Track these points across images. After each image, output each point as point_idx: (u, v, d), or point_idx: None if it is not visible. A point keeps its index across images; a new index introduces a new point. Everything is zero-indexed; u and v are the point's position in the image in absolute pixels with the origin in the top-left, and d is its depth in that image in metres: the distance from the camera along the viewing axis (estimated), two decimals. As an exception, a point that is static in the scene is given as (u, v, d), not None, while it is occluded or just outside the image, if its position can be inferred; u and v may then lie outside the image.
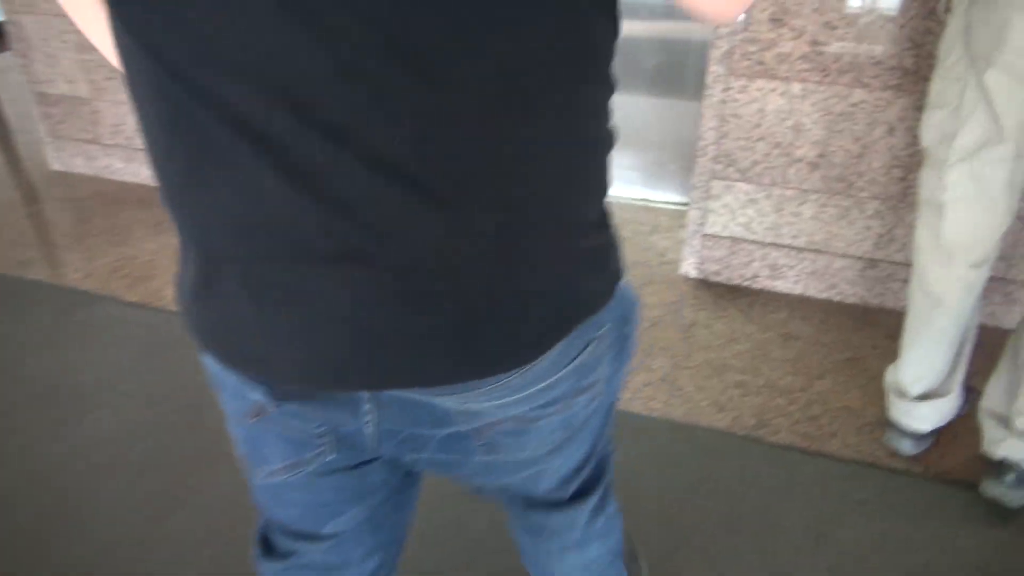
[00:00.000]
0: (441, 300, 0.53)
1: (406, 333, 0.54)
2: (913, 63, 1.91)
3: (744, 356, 2.05)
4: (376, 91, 0.46)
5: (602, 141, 0.58)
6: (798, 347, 2.08)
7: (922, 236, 1.53)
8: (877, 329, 2.15)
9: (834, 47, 1.96)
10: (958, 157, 1.39)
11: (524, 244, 0.54)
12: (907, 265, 2.16)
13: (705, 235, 2.34)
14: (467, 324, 0.54)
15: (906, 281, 2.18)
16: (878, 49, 1.93)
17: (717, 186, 2.26)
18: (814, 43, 1.97)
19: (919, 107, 1.96)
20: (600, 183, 0.60)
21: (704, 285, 2.38)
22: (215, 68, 0.47)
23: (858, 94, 2.00)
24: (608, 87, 0.56)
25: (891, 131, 2.01)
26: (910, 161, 2.03)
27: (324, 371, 0.57)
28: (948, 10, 1.39)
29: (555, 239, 0.56)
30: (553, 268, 0.57)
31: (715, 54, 2.07)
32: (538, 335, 0.58)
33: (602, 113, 0.57)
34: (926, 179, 1.48)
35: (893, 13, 1.88)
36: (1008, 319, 2.12)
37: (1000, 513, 1.53)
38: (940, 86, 1.40)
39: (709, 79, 2.11)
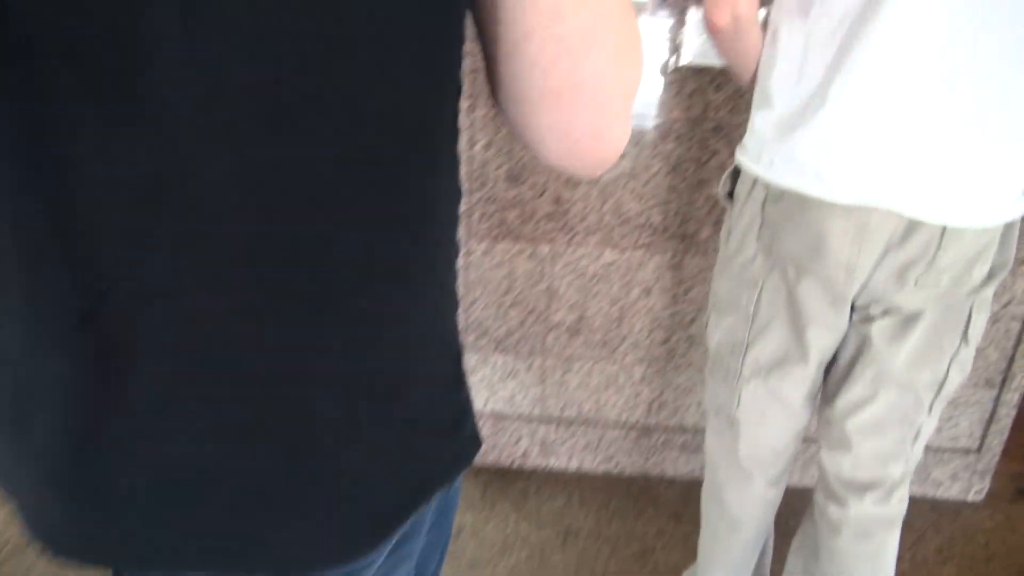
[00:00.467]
0: (299, 490, 0.52)
1: (279, 525, 0.53)
2: (661, 221, 1.76)
3: (521, 570, 1.71)
4: (232, 300, 0.46)
5: (445, 305, 0.57)
6: (580, 546, 1.78)
7: (715, 449, 1.29)
8: (660, 509, 1.92)
9: (578, 206, 1.77)
10: (752, 371, 1.16)
11: (379, 429, 0.53)
12: (682, 430, 1.98)
13: (465, 414, 2.02)
14: (336, 508, 0.53)
15: (683, 447, 2.00)
16: (623, 207, 1.76)
17: (471, 359, 1.95)
18: (557, 201, 1.77)
19: (673, 266, 1.80)
20: (450, 344, 0.58)
21: (471, 471, 2.04)
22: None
23: (609, 254, 1.81)
24: (453, 249, 0.56)
25: (647, 292, 1.84)
26: (671, 322, 1.86)
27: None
28: (730, 195, 1.15)
29: (412, 412, 0.54)
30: (414, 438, 0.55)
31: (452, 216, 1.80)
32: (406, 504, 0.56)
33: (448, 281, 0.56)
34: (715, 388, 1.24)
35: (634, 169, 1.72)
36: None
37: None
38: (728, 287, 1.16)
39: (448, 243, 1.84)
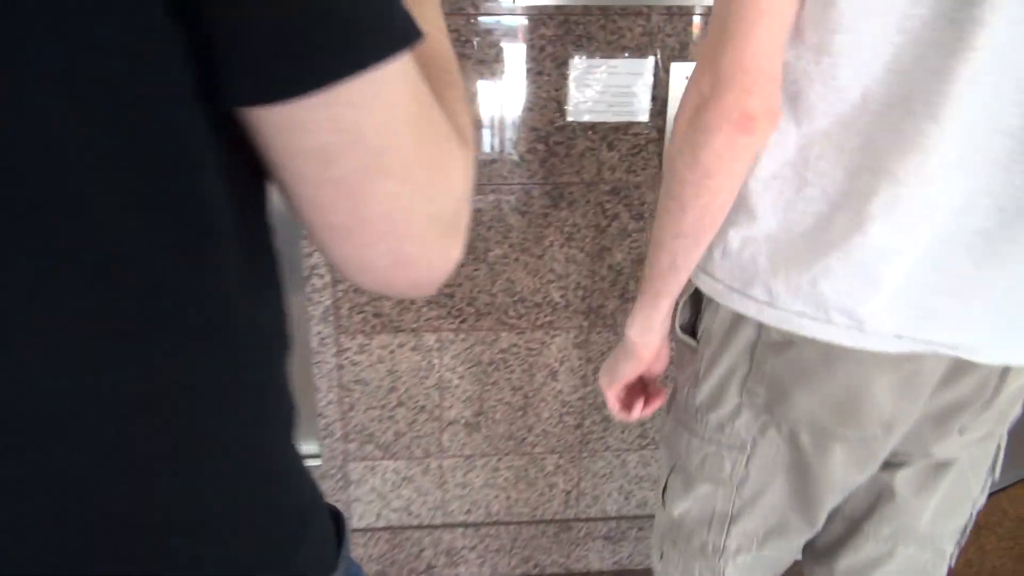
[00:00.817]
0: None
1: None
2: (561, 296, 1.54)
3: None
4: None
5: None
6: None
7: None
8: (590, 613, 1.70)
9: (464, 287, 1.52)
10: (741, 545, 0.92)
11: None
12: (604, 519, 1.76)
13: (355, 531, 1.73)
14: None
15: (607, 538, 1.78)
16: (516, 285, 1.53)
17: (357, 469, 1.67)
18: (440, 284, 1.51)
19: (579, 344, 1.58)
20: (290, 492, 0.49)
21: (368, 595, 1.76)
22: None
23: (506, 338, 1.57)
24: (290, 407, 0.49)
25: (553, 375, 1.61)
26: (582, 405, 1.64)
27: None
28: (688, 331, 0.89)
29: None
30: None
31: (316, 312, 1.51)
32: None
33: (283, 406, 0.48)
34: (683, 564, 0.98)
35: (524, 242, 1.49)
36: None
37: None
38: (700, 450, 0.89)
39: (314, 343, 1.54)
